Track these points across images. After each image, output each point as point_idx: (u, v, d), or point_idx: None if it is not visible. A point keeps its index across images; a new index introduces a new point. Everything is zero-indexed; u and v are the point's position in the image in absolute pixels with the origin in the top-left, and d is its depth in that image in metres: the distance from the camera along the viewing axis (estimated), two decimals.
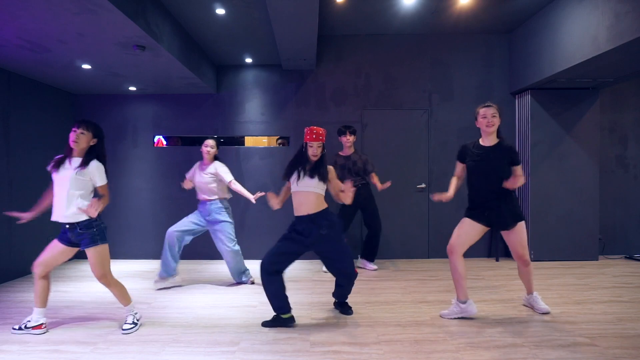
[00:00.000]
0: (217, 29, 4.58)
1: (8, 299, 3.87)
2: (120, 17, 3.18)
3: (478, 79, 5.59)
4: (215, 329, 3.06)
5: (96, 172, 2.91)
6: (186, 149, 5.73)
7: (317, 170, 3.07)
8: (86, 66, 4.43)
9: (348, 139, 4.79)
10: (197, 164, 4.32)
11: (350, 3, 4.56)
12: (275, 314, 3.13)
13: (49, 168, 2.95)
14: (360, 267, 4.95)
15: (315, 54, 5.02)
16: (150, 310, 3.50)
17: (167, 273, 4.14)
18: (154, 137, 5.73)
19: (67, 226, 2.88)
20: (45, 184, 5.11)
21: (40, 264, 2.93)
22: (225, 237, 4.15)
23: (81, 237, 2.89)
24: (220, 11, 4.15)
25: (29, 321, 2.97)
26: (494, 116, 3.12)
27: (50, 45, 3.78)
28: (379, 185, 4.71)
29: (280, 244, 3.11)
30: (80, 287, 4.27)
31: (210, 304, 3.67)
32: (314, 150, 3.08)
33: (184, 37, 4.54)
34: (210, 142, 4.22)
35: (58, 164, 2.91)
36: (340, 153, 4.89)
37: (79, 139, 2.86)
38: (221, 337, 2.90)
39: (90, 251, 2.90)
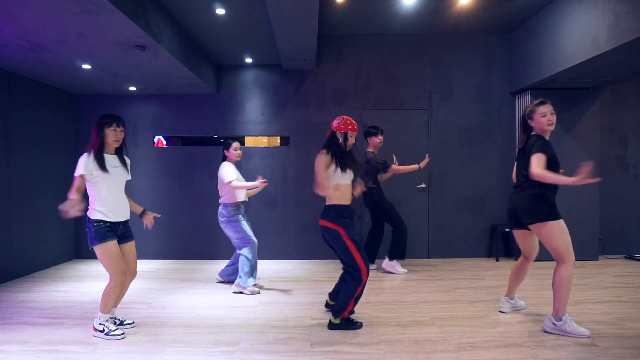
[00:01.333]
0: (217, 29, 4.59)
1: (8, 299, 3.87)
2: (120, 17, 3.18)
3: (478, 79, 5.59)
4: (215, 329, 3.06)
5: (129, 167, 3.05)
6: (186, 149, 5.74)
7: (355, 161, 3.10)
8: (86, 66, 4.43)
9: (381, 139, 4.78)
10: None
11: (350, 3, 4.56)
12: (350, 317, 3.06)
13: (87, 171, 2.76)
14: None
15: (315, 54, 5.03)
16: (150, 310, 3.50)
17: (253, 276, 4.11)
18: (154, 137, 5.73)
19: (122, 222, 2.93)
20: (45, 184, 5.11)
21: (124, 271, 2.87)
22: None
23: (127, 229, 2.96)
24: (220, 11, 4.15)
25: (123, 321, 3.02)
26: (553, 114, 2.94)
27: (51, 45, 3.78)
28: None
29: (358, 240, 3.02)
30: (80, 287, 4.27)
31: (210, 304, 3.67)
32: (353, 141, 3.07)
33: (184, 37, 4.54)
34: (238, 145, 4.13)
35: (104, 165, 2.79)
36: (374, 150, 4.80)
37: (120, 137, 2.86)
38: (221, 337, 2.90)
39: (134, 243, 3.01)
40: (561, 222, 2.86)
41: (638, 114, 5.71)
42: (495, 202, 5.58)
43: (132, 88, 5.40)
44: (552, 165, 2.86)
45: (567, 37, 4.31)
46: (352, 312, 3.02)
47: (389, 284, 4.29)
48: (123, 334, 2.87)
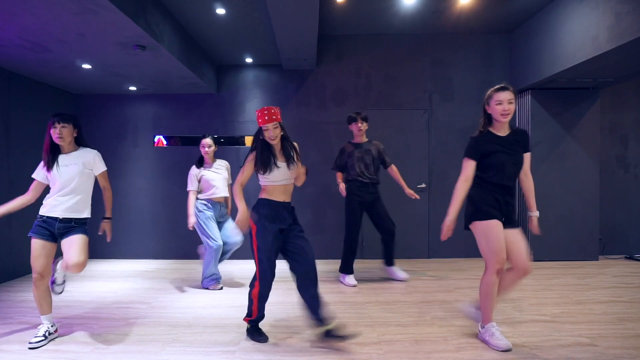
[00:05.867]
0: (217, 29, 4.59)
1: (8, 298, 3.87)
2: (120, 17, 3.19)
3: (478, 79, 5.59)
4: (215, 329, 3.06)
5: (97, 159, 2.92)
6: (186, 149, 5.73)
7: (285, 156, 2.75)
8: (86, 66, 4.43)
9: (360, 127, 4.36)
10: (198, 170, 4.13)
11: (350, 3, 4.56)
12: (256, 323, 2.92)
13: (43, 171, 2.84)
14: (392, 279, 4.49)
15: (316, 54, 5.02)
16: (150, 310, 3.50)
17: (216, 280, 4.14)
18: (154, 137, 5.73)
19: (60, 221, 2.79)
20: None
21: (42, 272, 2.75)
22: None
23: (71, 228, 2.81)
24: (221, 11, 4.15)
25: (52, 326, 2.86)
26: (510, 102, 2.59)
27: (51, 45, 3.78)
28: (407, 190, 4.33)
29: (269, 248, 2.72)
30: (80, 287, 4.27)
31: (210, 304, 3.67)
32: (270, 134, 2.70)
33: (184, 37, 4.54)
34: (207, 142, 4.10)
35: (50, 165, 2.82)
36: (350, 141, 4.47)
37: (62, 133, 2.81)
38: (221, 337, 2.90)
39: (80, 237, 2.80)
40: (489, 223, 2.62)
41: (638, 114, 5.70)
42: None
43: (132, 88, 5.40)
44: (487, 165, 2.68)
45: (567, 37, 4.31)
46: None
47: (389, 284, 4.29)
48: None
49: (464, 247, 5.60)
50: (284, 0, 3.45)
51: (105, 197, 3.00)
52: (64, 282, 3.03)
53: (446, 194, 5.56)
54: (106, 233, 3.00)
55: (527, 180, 2.78)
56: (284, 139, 2.79)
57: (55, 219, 2.79)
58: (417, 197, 4.38)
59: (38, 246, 2.76)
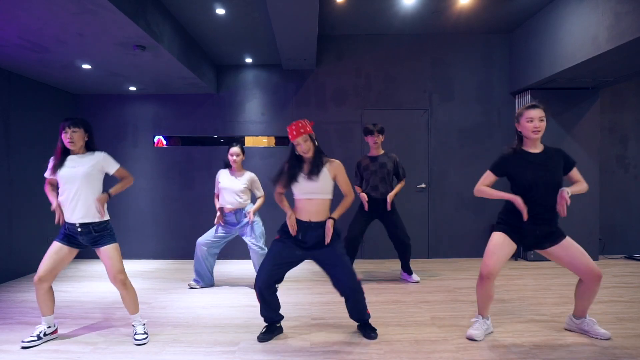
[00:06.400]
0: (217, 29, 4.59)
1: (8, 299, 3.87)
2: (120, 17, 3.19)
3: (478, 79, 5.59)
4: (215, 329, 3.06)
5: (107, 159, 2.87)
6: (186, 149, 5.74)
7: (315, 169, 2.72)
8: (86, 66, 4.43)
9: (376, 140, 4.26)
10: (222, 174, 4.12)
11: (350, 3, 4.56)
12: (267, 322, 2.91)
13: (48, 175, 2.83)
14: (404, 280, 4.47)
15: (316, 54, 5.02)
16: (150, 310, 3.50)
17: (203, 281, 4.17)
18: (154, 137, 5.73)
19: (79, 229, 2.76)
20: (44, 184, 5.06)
21: (42, 276, 2.74)
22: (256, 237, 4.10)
23: (97, 238, 2.79)
24: (220, 11, 4.15)
25: (48, 328, 2.85)
26: (541, 120, 2.70)
27: (51, 45, 3.78)
28: (391, 195, 4.22)
29: (274, 254, 2.80)
30: (80, 287, 4.27)
31: (210, 304, 3.67)
32: (302, 148, 2.70)
33: (184, 37, 4.55)
34: (234, 150, 4.01)
35: (57, 168, 2.78)
36: (367, 154, 4.43)
37: (73, 137, 2.76)
38: (221, 337, 2.90)
39: (108, 249, 2.79)
40: (496, 235, 2.88)
41: (638, 114, 5.71)
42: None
43: (132, 88, 5.40)
44: (518, 185, 2.77)
45: (567, 37, 4.31)
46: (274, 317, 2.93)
47: (389, 284, 4.29)
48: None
49: (464, 247, 5.61)
50: (284, 0, 3.45)
51: (122, 181, 2.93)
52: (144, 333, 2.83)
53: (446, 194, 5.61)
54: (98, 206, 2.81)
55: (580, 182, 2.80)
56: (317, 152, 2.76)
57: (73, 224, 2.76)
58: (389, 203, 4.24)
59: (53, 248, 2.80)
